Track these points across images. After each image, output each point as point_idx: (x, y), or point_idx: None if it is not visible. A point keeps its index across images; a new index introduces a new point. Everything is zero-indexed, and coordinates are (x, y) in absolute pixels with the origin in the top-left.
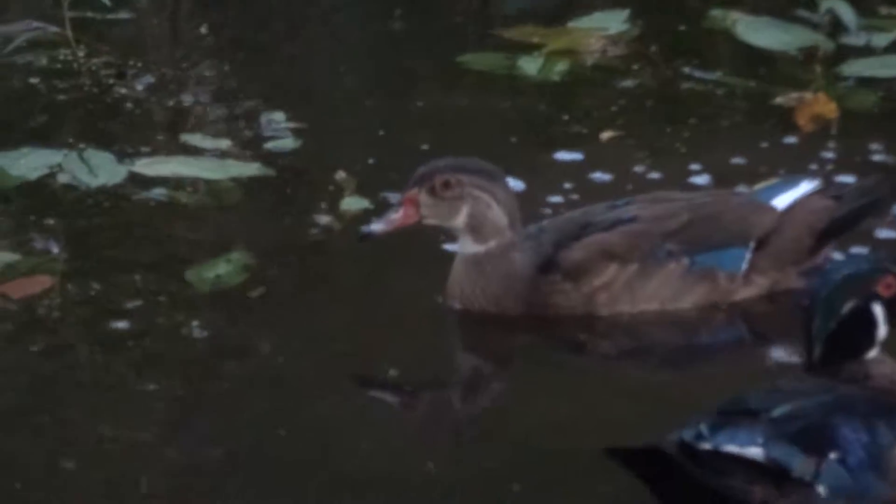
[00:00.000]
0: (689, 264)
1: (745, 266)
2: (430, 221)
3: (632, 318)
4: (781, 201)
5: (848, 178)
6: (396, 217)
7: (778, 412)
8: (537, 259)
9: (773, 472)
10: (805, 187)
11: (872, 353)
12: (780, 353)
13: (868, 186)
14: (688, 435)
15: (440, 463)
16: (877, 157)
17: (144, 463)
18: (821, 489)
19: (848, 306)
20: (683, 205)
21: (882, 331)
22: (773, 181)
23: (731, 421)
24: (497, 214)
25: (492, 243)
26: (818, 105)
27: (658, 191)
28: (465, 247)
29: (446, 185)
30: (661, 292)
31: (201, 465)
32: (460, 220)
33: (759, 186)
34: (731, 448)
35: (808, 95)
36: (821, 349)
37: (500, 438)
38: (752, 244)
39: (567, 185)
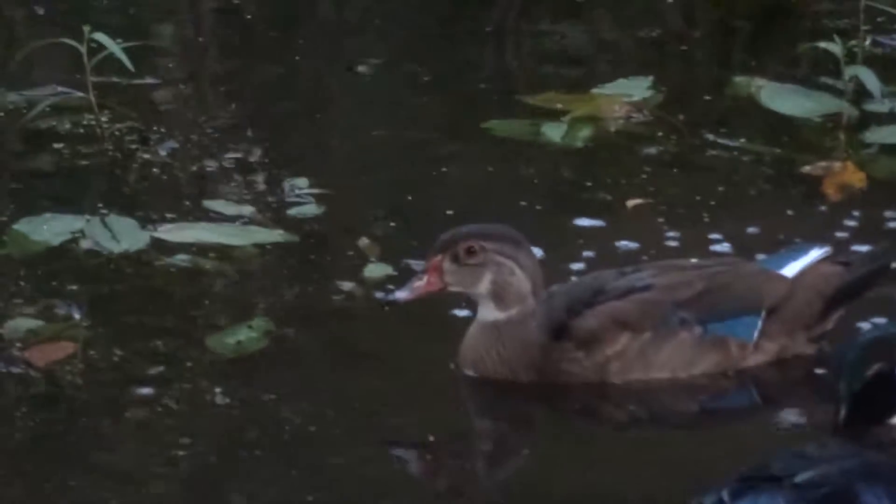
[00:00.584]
0: (701, 333)
1: (756, 334)
2: (455, 288)
3: (644, 384)
4: (791, 269)
5: (867, 247)
6: (421, 284)
7: (801, 478)
8: (549, 325)
9: None
10: (814, 255)
11: None
12: (790, 417)
13: (877, 253)
14: (709, 501)
15: None
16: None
17: None
18: None
19: (874, 369)
20: (697, 273)
21: None
22: (784, 250)
23: (753, 487)
24: (520, 281)
25: (514, 310)
26: (847, 174)
27: (670, 259)
28: (485, 314)
29: (470, 251)
30: (674, 360)
31: None
32: (483, 287)
33: (769, 255)
34: None
35: (837, 164)
36: (846, 411)
37: None
38: (763, 312)
39: (589, 253)
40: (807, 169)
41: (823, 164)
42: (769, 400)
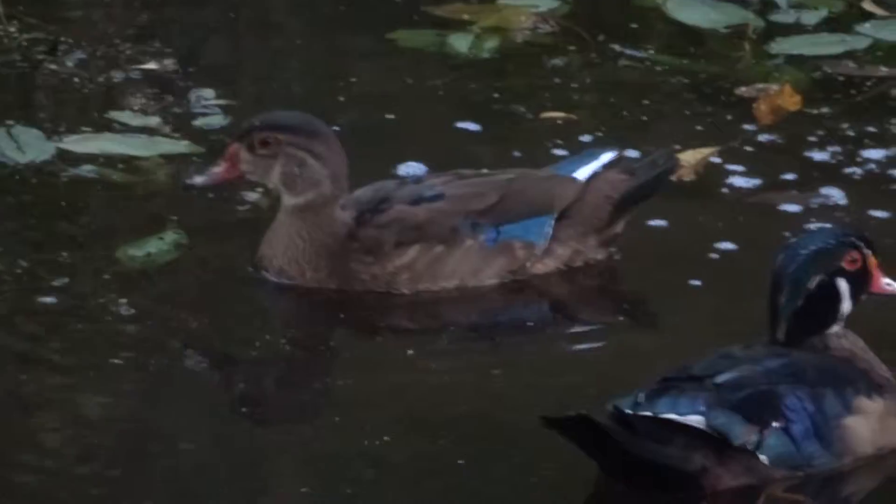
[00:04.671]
0: (487, 239)
1: (548, 232)
2: (251, 177)
3: (433, 295)
4: (583, 173)
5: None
6: (218, 171)
7: (722, 378)
8: (344, 223)
9: (713, 441)
10: (605, 158)
11: (835, 329)
12: (576, 328)
13: (658, 160)
14: (624, 403)
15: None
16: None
17: (63, 430)
18: (763, 458)
19: (814, 281)
20: (490, 183)
21: (846, 305)
22: (576, 155)
23: (672, 387)
24: (313, 170)
25: (309, 195)
26: (782, 97)
27: (461, 169)
28: (284, 200)
29: (263, 143)
30: (461, 269)
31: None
32: (274, 177)
33: (561, 161)
34: (671, 415)
35: (773, 87)
36: (786, 325)
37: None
38: (555, 214)
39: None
40: (743, 90)
41: (760, 85)
42: (556, 311)
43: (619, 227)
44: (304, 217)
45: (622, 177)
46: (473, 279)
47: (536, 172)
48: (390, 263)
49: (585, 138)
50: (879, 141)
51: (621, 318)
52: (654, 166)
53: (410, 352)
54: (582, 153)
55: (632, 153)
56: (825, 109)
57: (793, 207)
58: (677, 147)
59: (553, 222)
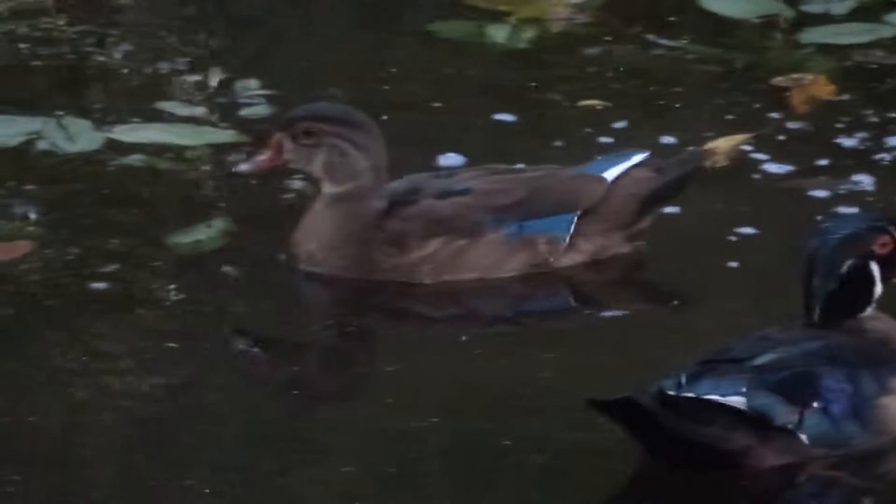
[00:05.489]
0: (510, 233)
1: (570, 231)
2: (294, 165)
3: (454, 285)
4: (612, 173)
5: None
6: (262, 159)
7: (761, 360)
8: (377, 212)
9: (754, 421)
10: (636, 159)
11: (869, 311)
12: (605, 314)
13: (686, 159)
14: (667, 385)
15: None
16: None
17: (117, 415)
18: (803, 437)
19: (847, 265)
20: (518, 180)
21: (878, 288)
22: (607, 155)
23: (712, 370)
24: (355, 160)
25: (349, 185)
26: (816, 86)
27: (492, 164)
28: (325, 188)
29: (307, 132)
30: (483, 261)
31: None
32: (317, 166)
33: (592, 161)
34: (714, 396)
35: (808, 77)
36: (820, 308)
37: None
38: (579, 211)
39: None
40: (778, 80)
41: (796, 75)
42: (585, 299)
43: (645, 223)
44: (339, 206)
45: (649, 175)
46: (495, 271)
47: (566, 171)
48: (412, 255)
49: (620, 124)
50: None
51: (650, 304)
52: (682, 165)
53: (445, 337)
54: (615, 153)
55: (666, 139)
56: (856, 98)
57: (822, 193)
58: (710, 134)
59: (576, 219)
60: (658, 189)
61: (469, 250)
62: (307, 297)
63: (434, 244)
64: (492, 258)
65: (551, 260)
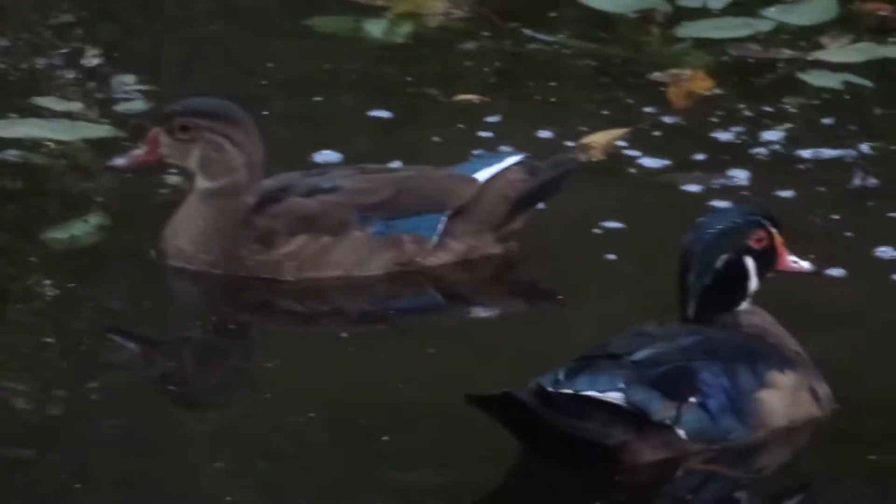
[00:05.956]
0: (375, 231)
1: (439, 231)
2: (170, 160)
3: (319, 282)
4: (485, 174)
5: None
6: (138, 153)
7: (639, 356)
8: (243, 214)
9: (632, 416)
10: (509, 161)
11: (744, 306)
12: (477, 312)
13: (560, 161)
14: (545, 381)
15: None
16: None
17: None
18: (681, 432)
19: (721, 260)
20: (387, 179)
21: (753, 283)
22: (481, 156)
23: (591, 365)
24: (230, 156)
25: (222, 181)
26: (695, 82)
27: (368, 163)
28: (198, 183)
29: (183, 127)
30: (347, 259)
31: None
32: (192, 161)
33: (465, 162)
34: (592, 392)
35: (687, 72)
36: (695, 303)
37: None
38: (448, 212)
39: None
40: (657, 75)
41: (674, 70)
42: (456, 297)
43: (517, 224)
44: (211, 202)
45: (522, 177)
46: (359, 269)
47: (438, 171)
48: (277, 251)
49: (497, 119)
50: (781, 121)
51: (523, 302)
52: (555, 167)
53: (318, 333)
54: (491, 153)
55: (543, 133)
56: (732, 92)
57: (696, 187)
58: (586, 129)
59: (446, 219)
60: (530, 192)
61: (334, 248)
62: (178, 293)
63: (298, 241)
64: (356, 256)
65: (418, 259)
